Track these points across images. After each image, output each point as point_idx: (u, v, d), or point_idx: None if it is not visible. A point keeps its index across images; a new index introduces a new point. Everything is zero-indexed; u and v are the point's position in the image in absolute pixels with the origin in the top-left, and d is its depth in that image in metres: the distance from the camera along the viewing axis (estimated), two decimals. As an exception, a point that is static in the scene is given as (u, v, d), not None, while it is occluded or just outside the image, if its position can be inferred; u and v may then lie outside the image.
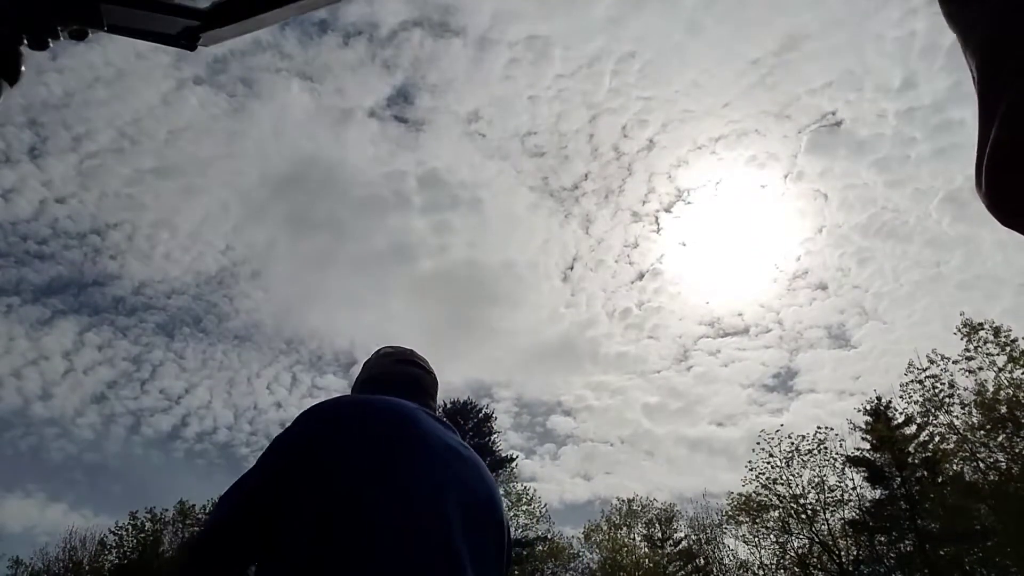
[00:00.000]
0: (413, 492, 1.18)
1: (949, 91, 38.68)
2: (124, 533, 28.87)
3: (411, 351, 1.66)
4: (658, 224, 50.14)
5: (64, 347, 40.80)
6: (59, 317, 41.83)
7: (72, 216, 44.75)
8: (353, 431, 1.23)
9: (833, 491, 25.21)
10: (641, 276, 46.64)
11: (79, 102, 46.65)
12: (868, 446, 24.75)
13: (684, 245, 49.35)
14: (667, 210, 48.39)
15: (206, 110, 49.52)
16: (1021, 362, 20.09)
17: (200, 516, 29.86)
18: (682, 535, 29.88)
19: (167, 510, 29.87)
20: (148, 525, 29.02)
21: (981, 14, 0.40)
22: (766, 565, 26.60)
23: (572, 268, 46.82)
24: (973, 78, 0.40)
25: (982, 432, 20.82)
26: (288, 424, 1.30)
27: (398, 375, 1.57)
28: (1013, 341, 20.45)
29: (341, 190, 53.38)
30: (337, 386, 42.16)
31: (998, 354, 20.70)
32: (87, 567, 28.17)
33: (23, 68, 0.67)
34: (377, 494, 1.15)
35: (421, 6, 49.16)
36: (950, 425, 22.18)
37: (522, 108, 51.28)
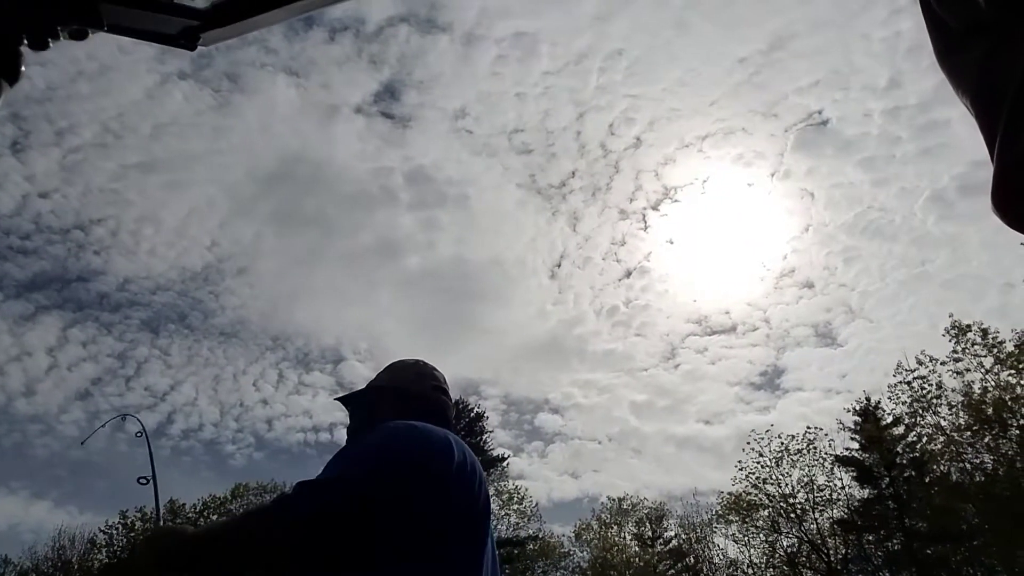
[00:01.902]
0: (480, 553, 1.29)
1: (935, 91, 38.77)
2: (114, 532, 28.72)
3: (443, 376, 1.65)
4: (645, 222, 50.20)
5: (48, 343, 40.43)
6: (42, 313, 41.47)
7: (55, 211, 44.37)
8: (461, 475, 1.29)
9: (822, 490, 25.41)
10: (628, 274, 46.65)
11: (62, 96, 46.03)
12: (857, 446, 24.96)
13: (671, 243, 49.48)
14: (654, 208, 48.52)
15: (191, 105, 49.12)
16: (1008, 364, 20.29)
17: (191, 515, 29.70)
18: (672, 534, 30.03)
19: (156, 508, 29.72)
20: (138, 524, 28.84)
21: (965, 64, 0.44)
22: (755, 564, 26.78)
23: (559, 265, 46.78)
24: (971, 113, 0.44)
25: (969, 433, 21.02)
26: (386, 436, 1.29)
27: (435, 403, 1.56)
28: (1000, 343, 20.67)
29: (328, 186, 53.08)
30: (324, 383, 42.00)
31: (985, 356, 20.93)
32: (76, 566, 27.98)
33: (23, 68, 0.67)
34: (458, 543, 1.25)
35: (408, 2, 48.88)
36: (937, 426, 22.40)
37: (509, 105, 51.12)
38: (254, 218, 55.67)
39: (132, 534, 28.50)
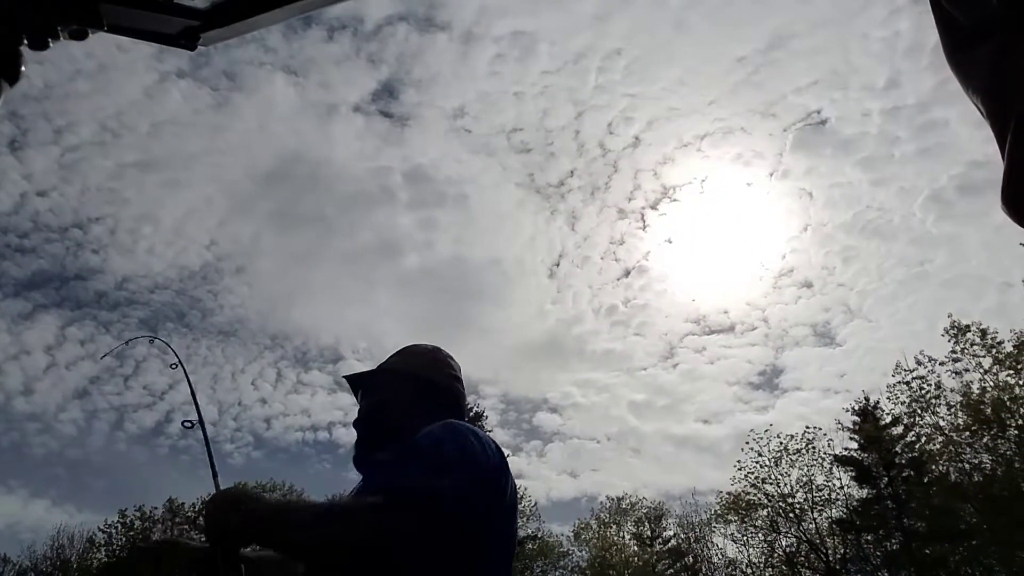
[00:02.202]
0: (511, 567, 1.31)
1: (934, 91, 38.79)
2: (113, 531, 28.68)
3: (458, 365, 1.58)
4: (644, 221, 50.34)
5: (46, 342, 40.39)
6: (41, 311, 41.47)
7: (53, 209, 44.36)
8: (513, 492, 1.28)
9: (821, 490, 25.42)
10: (627, 273, 46.70)
11: (60, 95, 46.06)
12: (856, 446, 24.97)
13: (670, 242, 49.38)
14: (653, 207, 48.58)
15: (189, 104, 49.24)
16: (1007, 364, 20.30)
17: (190, 514, 29.65)
18: (671, 533, 30.04)
19: (156, 508, 29.70)
20: (137, 523, 28.82)
21: (975, 62, 0.44)
22: (754, 563, 26.79)
23: (558, 265, 46.81)
24: (980, 112, 0.44)
25: (967, 433, 21.03)
26: (464, 447, 1.21)
27: (454, 394, 1.51)
28: (999, 343, 20.68)
29: (326, 185, 53.16)
30: (322, 382, 41.97)
31: (984, 356, 20.93)
32: (75, 565, 27.95)
33: (23, 68, 0.67)
34: (504, 556, 1.26)
35: (406, 1, 48.99)
36: (936, 426, 22.41)
37: (508, 104, 51.41)
38: (253, 217, 55.67)
39: (131, 533, 28.49)
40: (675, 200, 46.29)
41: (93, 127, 50.01)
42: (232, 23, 0.76)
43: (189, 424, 1.68)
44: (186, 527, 29.46)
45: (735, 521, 26.99)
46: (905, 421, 23.68)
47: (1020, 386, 19.87)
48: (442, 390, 1.49)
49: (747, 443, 26.60)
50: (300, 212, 51.96)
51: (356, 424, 1.49)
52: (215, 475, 1.46)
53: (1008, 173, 0.40)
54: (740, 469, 26.37)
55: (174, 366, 2.01)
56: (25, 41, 0.67)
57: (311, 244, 53.53)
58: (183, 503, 30.06)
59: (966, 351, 21.24)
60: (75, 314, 41.99)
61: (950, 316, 21.86)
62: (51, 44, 0.68)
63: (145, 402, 40.29)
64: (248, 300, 46.87)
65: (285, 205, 52.98)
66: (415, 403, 1.43)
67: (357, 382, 1.58)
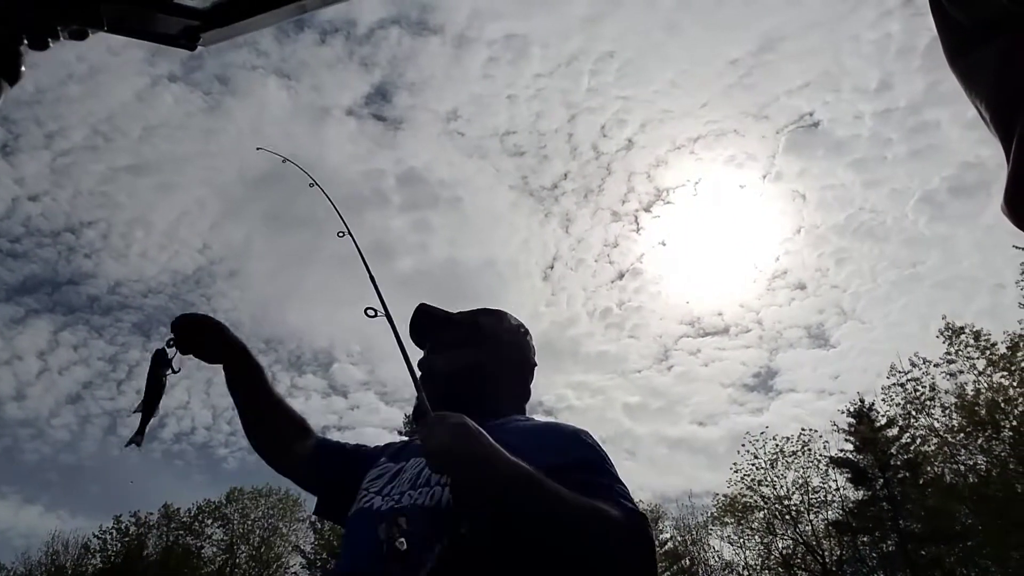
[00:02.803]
0: None
1: (925, 93, 39.12)
2: (108, 537, 28.51)
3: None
4: (638, 224, 50.30)
5: (38, 347, 40.30)
6: (33, 316, 41.40)
7: (45, 214, 44.24)
8: None
9: (817, 492, 25.47)
10: (621, 275, 46.81)
11: (51, 99, 45.85)
12: (851, 448, 25.02)
13: (664, 245, 49.71)
14: (647, 210, 48.59)
15: (181, 107, 49.26)
16: (1000, 366, 20.39)
17: (184, 519, 29.48)
18: (667, 536, 30.00)
19: (151, 513, 29.54)
20: (132, 529, 28.67)
21: (979, 65, 0.44)
22: (751, 566, 26.80)
23: (552, 267, 46.91)
24: (983, 118, 0.44)
25: (962, 435, 21.11)
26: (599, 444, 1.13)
27: (529, 387, 1.36)
28: (992, 345, 20.76)
29: (319, 188, 53.28)
30: (316, 386, 41.91)
31: (978, 358, 21.02)
32: (70, 571, 27.77)
33: (23, 68, 0.67)
34: None
35: (399, 4, 49.20)
36: (931, 427, 22.49)
37: (501, 107, 51.69)
38: (245, 220, 55.56)
39: (126, 539, 28.32)
40: (669, 203, 46.59)
41: (85, 131, 49.86)
42: (232, 23, 0.76)
43: (373, 312, 1.33)
44: (181, 532, 29.32)
45: (731, 523, 27.03)
46: (900, 423, 23.77)
47: (1014, 387, 19.97)
48: (527, 377, 1.34)
49: (743, 445, 26.68)
50: (292, 215, 51.75)
51: (430, 365, 1.26)
52: (418, 387, 1.10)
53: (1013, 176, 0.40)
54: (736, 471, 26.44)
55: (341, 234, 1.55)
56: (25, 41, 0.67)
57: (303, 247, 53.41)
58: (178, 508, 29.92)
59: (960, 353, 21.34)
60: (68, 319, 41.95)
61: (944, 318, 21.96)
62: (51, 44, 0.68)
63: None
64: (241, 304, 46.67)
65: (277, 208, 52.79)
66: (505, 379, 1.27)
67: (432, 321, 1.32)
